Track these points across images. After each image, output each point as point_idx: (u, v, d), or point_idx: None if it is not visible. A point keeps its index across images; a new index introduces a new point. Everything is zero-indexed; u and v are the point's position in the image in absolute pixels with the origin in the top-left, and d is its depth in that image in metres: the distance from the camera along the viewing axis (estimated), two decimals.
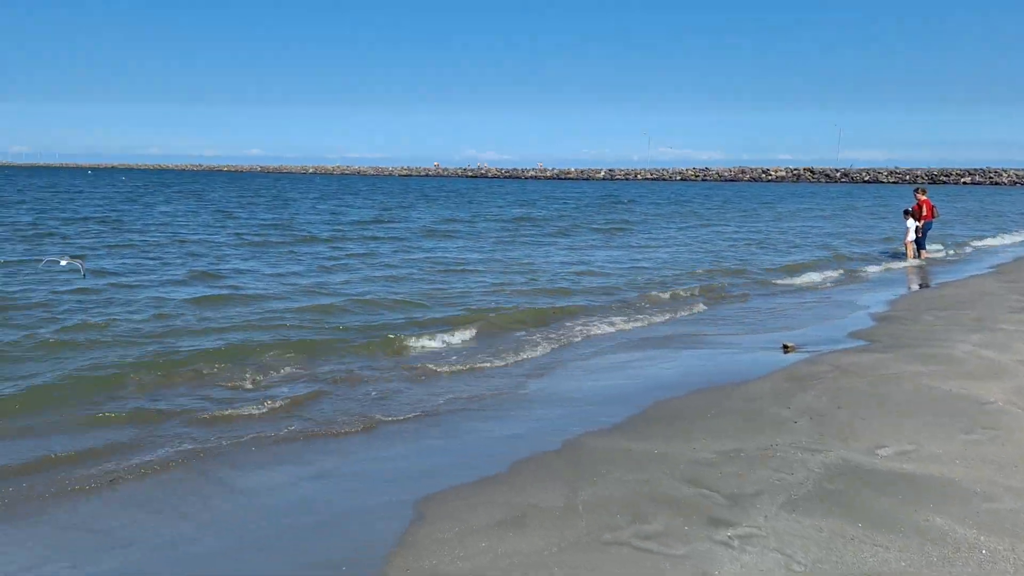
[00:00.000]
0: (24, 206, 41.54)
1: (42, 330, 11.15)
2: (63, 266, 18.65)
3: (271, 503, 5.78)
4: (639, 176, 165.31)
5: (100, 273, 16.65)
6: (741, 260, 22.82)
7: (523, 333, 12.15)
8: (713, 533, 4.86)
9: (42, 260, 17.68)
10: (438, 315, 13.14)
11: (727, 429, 7.07)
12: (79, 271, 17.71)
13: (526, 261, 21.44)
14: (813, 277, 19.23)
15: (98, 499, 5.83)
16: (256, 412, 7.95)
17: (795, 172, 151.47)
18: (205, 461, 6.63)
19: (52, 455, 6.71)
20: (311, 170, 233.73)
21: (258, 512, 5.61)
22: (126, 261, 18.96)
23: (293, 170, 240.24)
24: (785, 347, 10.65)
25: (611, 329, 12.74)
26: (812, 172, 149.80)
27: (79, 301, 13.28)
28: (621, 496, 5.49)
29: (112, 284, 15.55)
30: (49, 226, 28.90)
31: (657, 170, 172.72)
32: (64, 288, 14.62)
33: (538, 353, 10.92)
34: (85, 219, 33.10)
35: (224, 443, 7.09)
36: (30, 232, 26.33)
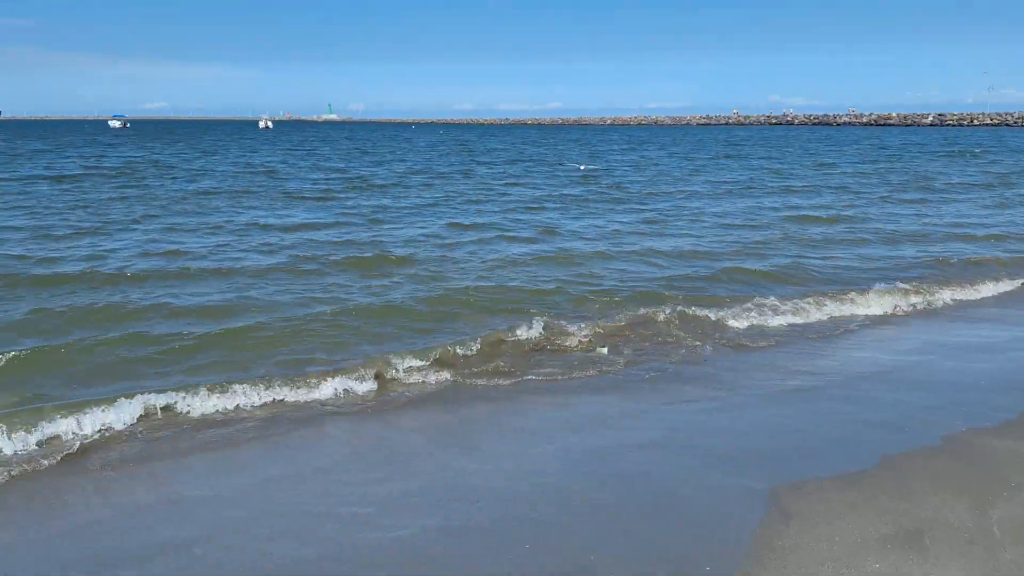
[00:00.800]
0: (367, 158, 46.52)
1: (394, 294, 12.11)
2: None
3: (600, 471, 5.43)
4: (975, 121, 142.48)
5: (453, 225, 17.59)
6: None
7: (874, 303, 10.70)
8: None
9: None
10: (775, 290, 12.19)
11: None
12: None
13: (880, 219, 19.03)
14: None
15: (437, 445, 5.96)
16: (569, 374, 7.78)
17: None
18: (522, 417, 6.57)
19: (377, 396, 7.16)
20: (608, 121, 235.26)
21: (586, 478, 5.29)
22: (477, 215, 19.73)
23: (592, 121, 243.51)
24: None
25: (983, 294, 10.97)
26: None
27: (434, 254, 13.93)
28: None
29: (455, 241, 16.62)
30: (381, 176, 32.02)
31: (999, 115, 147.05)
32: (423, 241, 15.57)
33: (888, 324, 9.62)
34: (413, 172, 36.25)
35: (537, 399, 7.02)
36: (387, 183, 29.23)
